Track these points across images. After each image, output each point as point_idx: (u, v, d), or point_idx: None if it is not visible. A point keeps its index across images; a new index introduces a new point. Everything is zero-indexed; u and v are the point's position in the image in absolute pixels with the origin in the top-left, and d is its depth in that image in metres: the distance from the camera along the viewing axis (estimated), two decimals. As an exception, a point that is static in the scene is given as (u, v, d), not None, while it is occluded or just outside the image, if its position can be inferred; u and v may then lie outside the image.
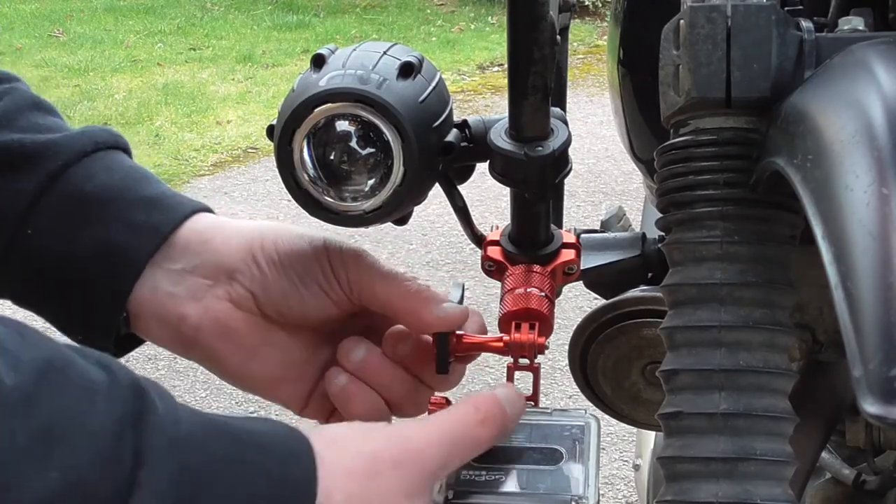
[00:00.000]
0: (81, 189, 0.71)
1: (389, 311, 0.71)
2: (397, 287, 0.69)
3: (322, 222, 0.71)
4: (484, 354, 0.73)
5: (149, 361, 3.13)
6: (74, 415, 0.48)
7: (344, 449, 0.58)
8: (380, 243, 3.86)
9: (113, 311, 0.71)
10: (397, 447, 0.59)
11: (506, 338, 0.71)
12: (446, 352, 0.69)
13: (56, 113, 0.77)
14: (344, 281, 0.70)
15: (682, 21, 0.63)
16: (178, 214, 0.72)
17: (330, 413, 0.74)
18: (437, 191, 0.74)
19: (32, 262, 0.71)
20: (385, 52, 0.70)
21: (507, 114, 0.71)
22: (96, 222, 0.71)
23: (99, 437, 0.48)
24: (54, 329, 0.72)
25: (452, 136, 0.71)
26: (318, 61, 0.69)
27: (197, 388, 3.05)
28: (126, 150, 0.76)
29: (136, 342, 0.75)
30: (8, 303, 0.74)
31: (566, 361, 0.94)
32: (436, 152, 0.70)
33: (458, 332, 0.71)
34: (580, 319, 0.92)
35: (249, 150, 5.15)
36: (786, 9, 0.63)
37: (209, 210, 0.75)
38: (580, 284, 0.84)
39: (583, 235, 0.85)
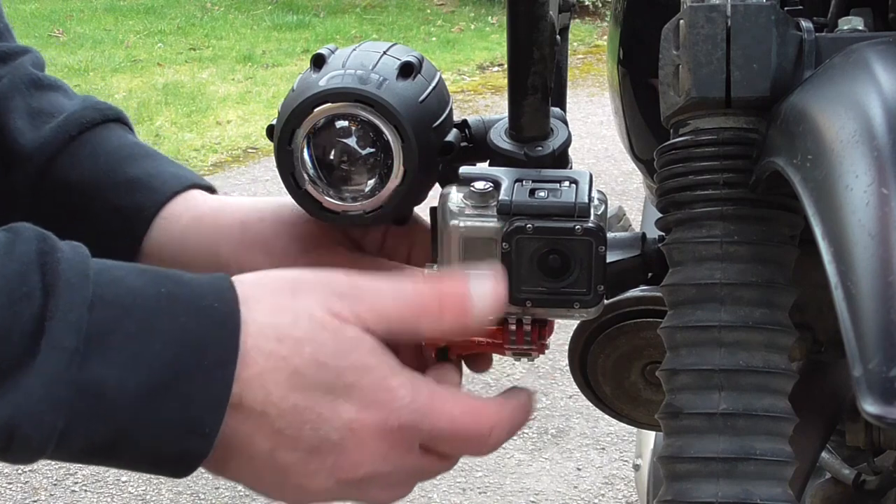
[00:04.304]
0: (66, 179, 0.72)
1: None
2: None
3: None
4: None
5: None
6: None
7: (264, 275, 0.58)
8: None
9: None
10: (317, 272, 0.58)
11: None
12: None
13: (57, 87, 0.77)
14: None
15: (682, 21, 0.63)
16: (160, 196, 0.73)
17: None
18: (437, 191, 0.74)
19: None
20: (385, 52, 0.70)
21: (507, 114, 0.71)
22: (80, 214, 0.72)
23: (3, 279, 0.49)
24: None
25: (452, 136, 0.71)
26: (318, 61, 0.69)
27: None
28: (119, 120, 0.77)
29: None
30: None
31: (566, 361, 0.94)
32: (436, 152, 0.70)
33: None
34: (580, 319, 0.92)
35: (249, 150, 5.15)
36: (786, 9, 0.63)
37: (200, 184, 0.75)
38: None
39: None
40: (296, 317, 0.56)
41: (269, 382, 0.54)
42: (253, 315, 0.55)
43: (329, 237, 0.72)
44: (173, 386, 0.52)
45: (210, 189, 0.77)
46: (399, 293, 0.59)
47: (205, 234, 0.73)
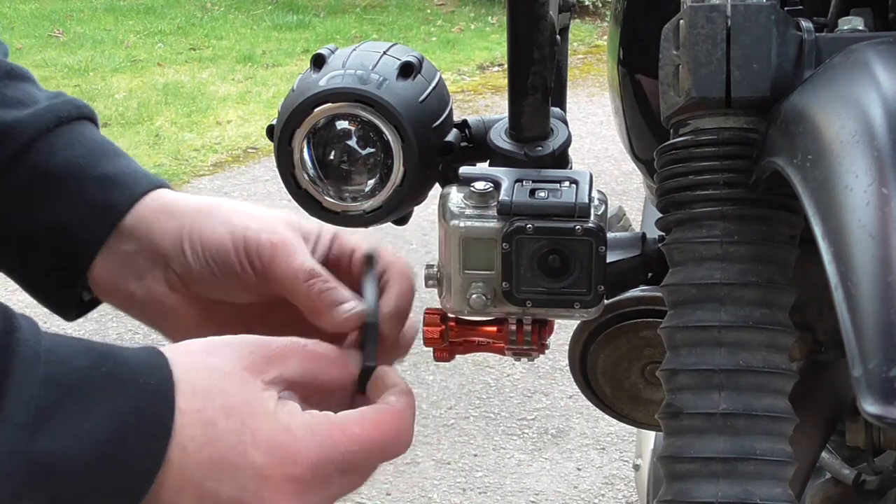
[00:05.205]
0: (44, 166, 0.74)
1: (298, 306, 0.72)
2: (303, 286, 0.70)
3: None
4: (483, 354, 0.73)
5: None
6: None
7: (191, 343, 0.62)
8: (380, 243, 3.85)
9: (70, 287, 0.75)
10: (240, 337, 0.63)
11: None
12: (372, 344, 0.68)
13: (28, 78, 0.78)
14: (260, 275, 0.72)
15: (682, 21, 0.63)
16: (133, 192, 0.75)
17: None
18: (437, 191, 0.74)
19: None
20: (385, 52, 0.70)
21: (507, 114, 0.71)
22: (55, 200, 0.74)
23: None
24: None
25: (452, 136, 0.71)
26: (318, 61, 0.69)
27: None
28: (91, 119, 0.78)
29: (99, 301, 0.79)
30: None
31: (566, 361, 0.94)
32: (436, 152, 0.70)
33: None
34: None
35: (249, 150, 5.15)
36: (786, 9, 0.63)
37: (165, 185, 0.77)
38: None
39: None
40: (209, 372, 0.60)
41: (185, 438, 0.57)
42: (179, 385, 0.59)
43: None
44: (113, 457, 0.55)
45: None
46: (301, 349, 0.63)
47: (176, 215, 0.74)
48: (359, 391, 0.66)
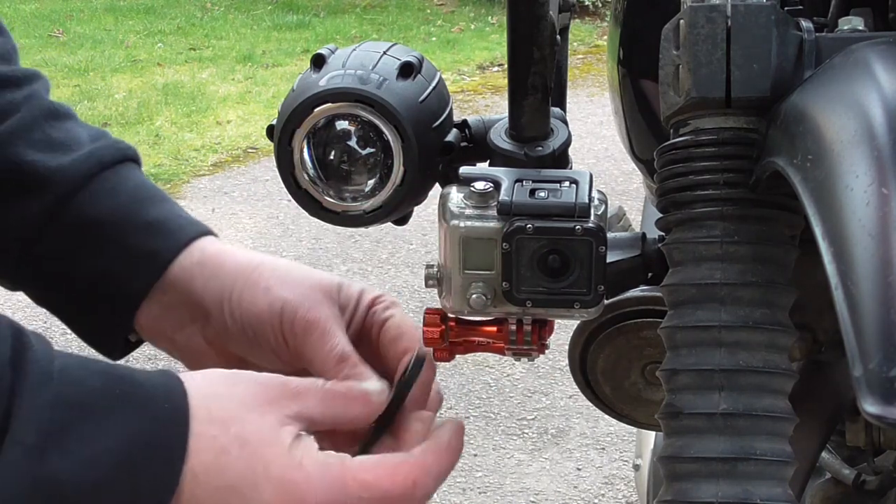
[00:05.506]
0: (88, 214, 0.74)
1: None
2: (332, 370, 0.70)
3: (325, 223, 0.71)
4: (483, 354, 0.73)
5: (149, 361, 3.13)
6: None
7: (209, 373, 0.62)
8: (380, 243, 3.86)
9: (117, 333, 0.75)
10: (262, 374, 0.63)
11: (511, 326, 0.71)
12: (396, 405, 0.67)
13: (70, 116, 0.79)
14: (293, 350, 0.72)
15: (682, 21, 0.63)
16: (178, 241, 0.75)
17: None
18: (437, 191, 0.74)
19: (41, 282, 0.75)
20: (385, 52, 0.70)
21: (507, 114, 0.71)
22: (100, 249, 0.74)
23: None
24: None
25: (452, 136, 0.71)
26: (318, 61, 0.69)
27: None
28: (135, 160, 0.78)
29: (142, 340, 0.79)
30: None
31: (566, 361, 0.94)
32: (436, 152, 0.70)
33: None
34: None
35: (249, 150, 5.15)
36: (786, 9, 0.63)
37: (208, 232, 0.77)
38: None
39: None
40: (228, 401, 0.59)
41: (197, 464, 0.57)
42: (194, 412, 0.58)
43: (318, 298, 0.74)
44: (123, 482, 0.54)
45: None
46: (321, 388, 0.63)
47: (219, 274, 0.74)
48: (380, 424, 0.66)
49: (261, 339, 0.72)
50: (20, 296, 0.77)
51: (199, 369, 0.76)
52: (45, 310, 0.77)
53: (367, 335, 0.73)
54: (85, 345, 0.77)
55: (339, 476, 0.60)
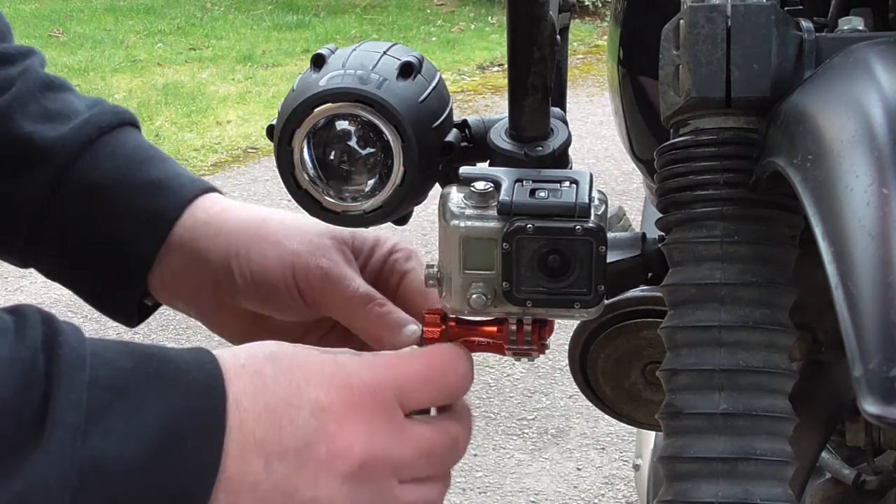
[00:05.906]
0: (90, 180, 0.74)
1: (355, 330, 0.73)
2: (360, 311, 0.70)
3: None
4: (483, 354, 0.73)
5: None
6: None
7: (244, 351, 0.61)
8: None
9: (131, 297, 0.76)
10: (292, 345, 0.62)
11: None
12: None
13: (67, 87, 0.79)
14: (310, 301, 0.72)
15: (682, 21, 0.63)
16: (181, 199, 0.75)
17: None
18: (437, 191, 0.74)
19: (51, 253, 0.76)
20: (385, 52, 0.70)
21: (507, 114, 0.71)
22: (105, 214, 0.74)
23: (16, 365, 0.52)
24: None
25: (452, 136, 0.71)
26: (318, 61, 0.69)
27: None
28: (133, 124, 0.79)
29: (159, 303, 0.80)
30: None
31: (566, 361, 0.94)
32: (436, 152, 0.70)
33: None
34: (580, 319, 0.92)
35: (249, 150, 5.15)
36: (786, 9, 0.63)
37: (212, 188, 0.77)
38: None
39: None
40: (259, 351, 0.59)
41: (237, 391, 0.56)
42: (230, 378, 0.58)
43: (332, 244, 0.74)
44: (166, 456, 0.54)
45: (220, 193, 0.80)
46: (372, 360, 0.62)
47: (223, 232, 0.74)
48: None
49: (273, 294, 0.72)
50: (29, 289, 0.78)
51: (218, 330, 0.76)
52: (54, 299, 0.78)
53: (384, 282, 0.73)
54: (100, 331, 0.78)
55: (378, 360, 0.60)
